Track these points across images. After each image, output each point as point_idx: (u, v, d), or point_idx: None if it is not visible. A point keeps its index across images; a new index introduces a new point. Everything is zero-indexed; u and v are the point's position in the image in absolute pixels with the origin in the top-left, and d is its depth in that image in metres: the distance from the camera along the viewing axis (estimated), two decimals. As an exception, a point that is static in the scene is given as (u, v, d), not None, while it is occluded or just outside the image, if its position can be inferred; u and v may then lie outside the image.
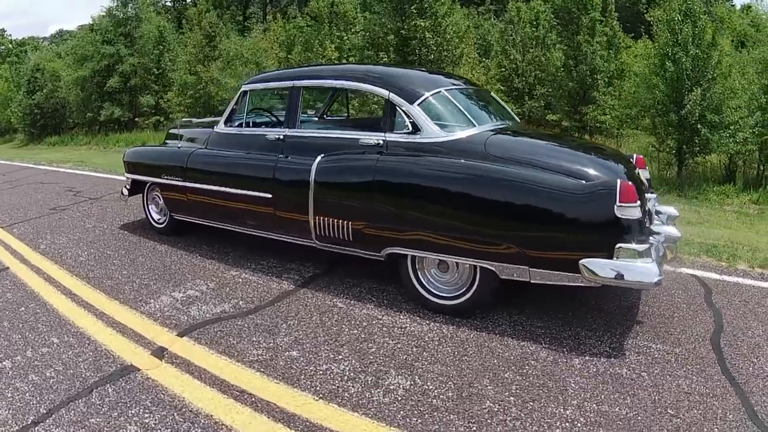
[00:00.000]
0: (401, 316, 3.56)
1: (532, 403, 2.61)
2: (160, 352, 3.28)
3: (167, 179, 5.10)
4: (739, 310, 3.60)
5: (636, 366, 2.90)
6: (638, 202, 2.90)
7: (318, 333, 3.39)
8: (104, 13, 23.13)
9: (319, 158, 3.86)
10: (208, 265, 4.74)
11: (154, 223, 5.63)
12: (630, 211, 2.84)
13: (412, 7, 16.20)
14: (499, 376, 2.84)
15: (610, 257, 2.80)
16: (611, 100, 19.57)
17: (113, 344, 3.38)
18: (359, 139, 3.86)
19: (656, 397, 2.63)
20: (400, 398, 2.68)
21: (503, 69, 18.64)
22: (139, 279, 4.44)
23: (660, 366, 2.90)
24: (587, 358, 2.97)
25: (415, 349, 3.12)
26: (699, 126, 14.32)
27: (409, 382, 2.80)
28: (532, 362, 2.97)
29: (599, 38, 21.70)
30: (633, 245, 2.81)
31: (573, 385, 2.74)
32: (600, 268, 2.81)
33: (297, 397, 2.74)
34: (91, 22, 24.94)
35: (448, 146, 3.48)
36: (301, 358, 3.08)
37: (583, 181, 3.01)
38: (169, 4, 38.43)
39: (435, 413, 2.55)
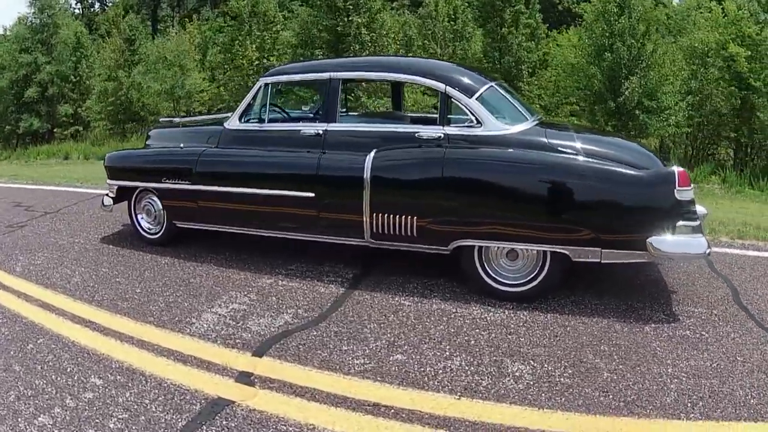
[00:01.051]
0: (473, 308, 3.46)
1: (639, 367, 2.76)
2: (247, 378, 2.73)
3: (169, 183, 4.44)
4: (742, 276, 4.02)
5: (693, 327, 3.18)
6: (692, 186, 3.25)
7: (407, 333, 3.15)
8: (19, 21, 21.09)
9: (373, 153, 3.61)
10: (232, 275, 4.14)
11: (144, 234, 4.85)
12: (686, 194, 3.16)
13: (347, 3, 15.82)
14: (598, 349, 2.95)
15: (672, 234, 3.10)
16: (536, 89, 20.24)
17: (179, 377, 2.74)
18: (416, 132, 3.71)
19: (723, 350, 2.94)
20: (532, 382, 2.65)
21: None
22: (162, 297, 3.73)
23: (710, 325, 3.22)
24: (654, 325, 3.21)
25: (510, 337, 3.10)
26: (637, 112, 15.00)
27: (529, 367, 2.78)
28: (615, 334, 3.11)
29: (524, 30, 22.36)
30: (689, 222, 3.13)
31: (659, 348, 2.95)
32: (664, 244, 3.09)
33: (437, 399, 2.52)
34: (3, 32, 22.93)
35: (512, 139, 3.51)
36: (410, 361, 2.85)
37: (646, 170, 3.29)
38: (78, 11, 35.42)
39: (571, 390, 2.58)
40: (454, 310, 3.41)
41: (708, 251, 3.16)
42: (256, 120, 4.37)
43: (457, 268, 3.67)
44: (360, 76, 4.45)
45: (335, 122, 3.98)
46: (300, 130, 4.09)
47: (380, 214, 3.58)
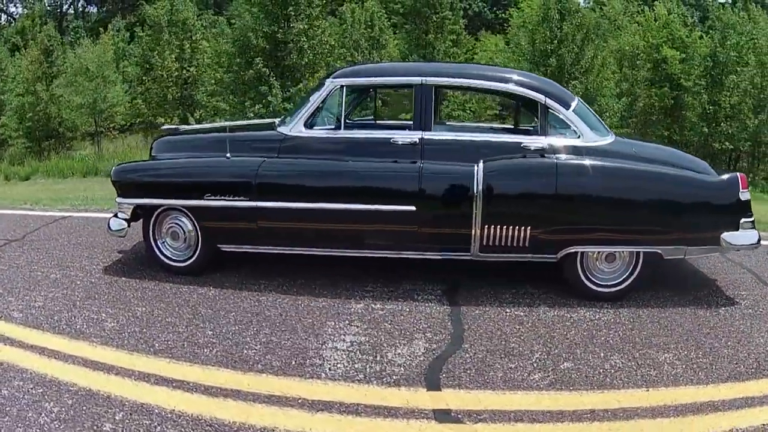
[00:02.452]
0: (580, 311, 3.43)
1: (742, 340, 3.04)
2: (450, 416, 2.30)
3: (214, 201, 3.62)
4: (757, 263, 4.37)
5: (754, 306, 3.53)
6: (749, 188, 3.65)
7: (551, 341, 3.01)
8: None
9: (481, 164, 3.48)
10: (313, 303, 3.40)
11: (168, 262, 3.87)
12: (746, 195, 3.56)
13: (288, 9, 14.98)
14: (704, 331, 3.15)
15: (737, 230, 3.48)
16: (461, 95, 20.47)
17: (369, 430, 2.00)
18: (521, 143, 3.70)
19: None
20: (683, 366, 2.75)
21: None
22: (249, 337, 2.89)
23: (757, 307, 3.53)
24: (725, 308, 3.50)
25: (634, 332, 3.15)
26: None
27: (671, 355, 2.87)
28: (702, 318, 3.32)
29: (449, 36, 22.65)
30: (748, 219, 3.54)
31: (719, 332, 3.14)
32: (734, 238, 3.47)
33: (633, 394, 2.49)
34: None
35: (606, 150, 3.65)
36: (580, 367, 2.74)
37: (716, 176, 3.64)
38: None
39: (713, 366, 2.76)
40: (567, 315, 3.36)
41: (759, 241, 3.57)
42: (331, 126, 3.88)
43: (535, 273, 3.79)
44: (454, 83, 4.17)
45: (431, 130, 3.70)
46: (391, 138, 3.71)
47: (492, 226, 3.45)
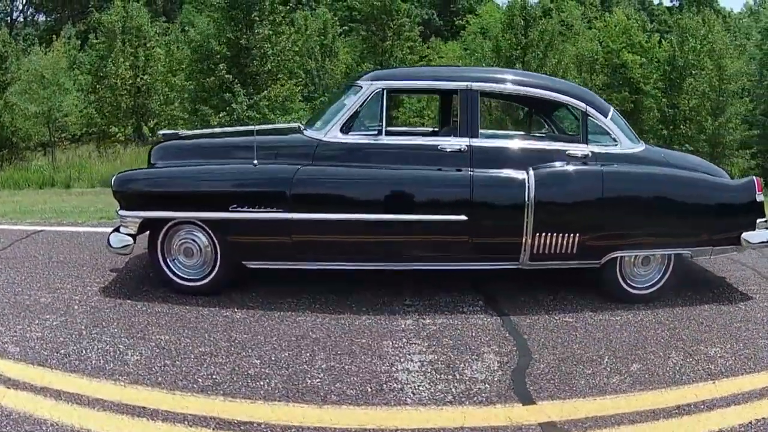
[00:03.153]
0: (627, 312, 3.45)
1: (746, 340, 3.05)
2: (555, 428, 2.19)
3: (241, 213, 3.26)
4: (753, 260, 4.55)
5: (759, 303, 3.66)
6: (763, 190, 3.81)
7: (609, 347, 2.95)
8: None
9: (531, 171, 3.43)
10: (358, 322, 3.10)
11: (179, 282, 3.45)
12: (761, 197, 3.71)
13: (253, 15, 14.48)
14: (742, 325, 3.27)
15: (754, 229, 3.64)
16: (416, 101, 20.57)
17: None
18: (566, 150, 3.68)
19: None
20: (736, 359, 2.83)
21: (301, 78, 18.21)
22: (306, 364, 2.54)
23: None
24: (744, 303, 3.65)
25: (686, 331, 3.19)
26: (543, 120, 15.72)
27: (721, 348, 2.94)
28: (709, 320, 3.34)
29: (408, 43, 22.74)
30: (763, 219, 3.73)
31: (748, 325, 3.26)
32: (753, 237, 3.62)
33: (717, 388, 2.53)
34: None
35: (641, 157, 3.75)
36: (648, 367, 2.73)
37: (735, 180, 3.94)
38: None
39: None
40: (612, 318, 3.34)
41: None
42: (370, 131, 3.70)
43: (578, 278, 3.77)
44: (500, 90, 3.97)
45: (478, 137, 3.60)
46: (438, 145, 3.56)
47: (542, 234, 3.40)
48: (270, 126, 4.13)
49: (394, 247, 3.47)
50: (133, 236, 3.38)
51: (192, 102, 15.19)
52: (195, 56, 15.00)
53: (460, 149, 3.49)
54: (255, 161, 3.30)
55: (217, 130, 5.22)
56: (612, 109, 3.91)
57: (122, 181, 3.50)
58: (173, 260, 3.47)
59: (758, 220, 3.68)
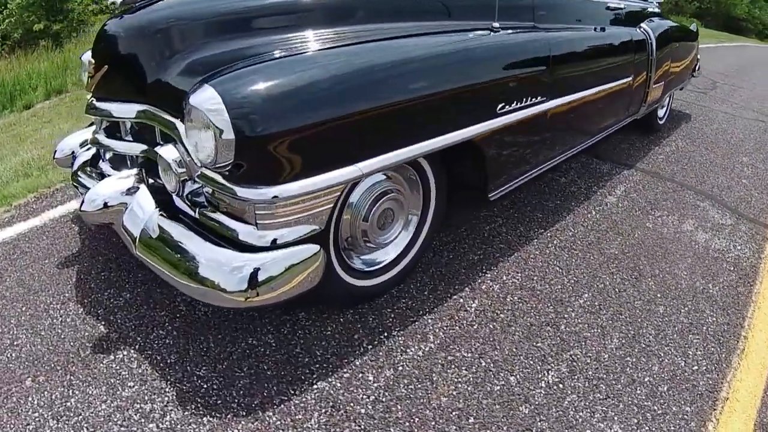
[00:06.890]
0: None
1: None
2: None
3: (512, 112, 2.20)
4: None
5: None
6: None
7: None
8: None
9: (647, 27, 3.88)
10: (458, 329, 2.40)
11: (354, 284, 2.08)
12: None
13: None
14: None
15: None
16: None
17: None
18: (646, 8, 4.30)
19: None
20: None
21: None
22: (439, 385, 1.96)
23: None
24: None
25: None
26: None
27: None
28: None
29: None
30: None
31: None
32: None
33: None
34: None
35: (661, 13, 4.46)
36: None
37: None
38: None
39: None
40: None
41: None
42: None
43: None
44: None
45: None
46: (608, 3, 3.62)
47: (656, 84, 3.94)
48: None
49: (594, 120, 3.21)
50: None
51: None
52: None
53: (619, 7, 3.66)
54: (495, 23, 2.22)
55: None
56: None
57: (252, 108, 1.52)
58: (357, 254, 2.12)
59: None
